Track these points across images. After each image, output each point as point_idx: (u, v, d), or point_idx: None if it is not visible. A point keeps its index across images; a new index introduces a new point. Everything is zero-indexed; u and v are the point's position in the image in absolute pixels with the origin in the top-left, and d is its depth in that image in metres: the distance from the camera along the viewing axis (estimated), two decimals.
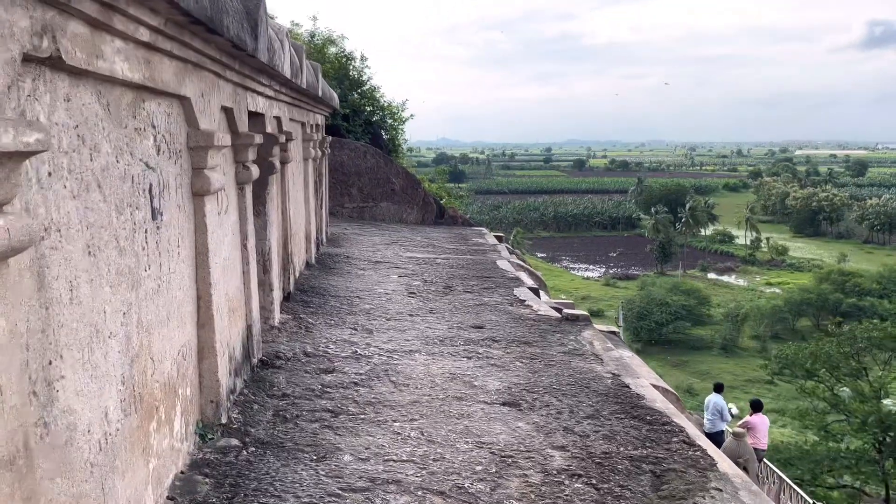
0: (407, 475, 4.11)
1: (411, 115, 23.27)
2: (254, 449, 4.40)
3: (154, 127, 3.62)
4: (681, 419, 5.00)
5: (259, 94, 6.23)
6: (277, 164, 7.25)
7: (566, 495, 3.93)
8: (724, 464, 4.28)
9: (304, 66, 7.64)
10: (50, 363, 2.47)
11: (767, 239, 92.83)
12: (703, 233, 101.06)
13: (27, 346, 2.30)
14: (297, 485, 3.95)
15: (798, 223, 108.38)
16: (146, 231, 3.46)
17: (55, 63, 2.49)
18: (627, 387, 5.70)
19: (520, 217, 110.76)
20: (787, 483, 15.38)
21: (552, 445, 4.59)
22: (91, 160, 2.85)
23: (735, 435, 12.41)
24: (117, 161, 3.12)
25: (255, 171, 5.77)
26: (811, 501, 15.04)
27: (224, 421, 4.64)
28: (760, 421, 13.72)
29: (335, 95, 12.47)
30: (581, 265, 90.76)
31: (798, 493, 15.16)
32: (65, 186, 2.61)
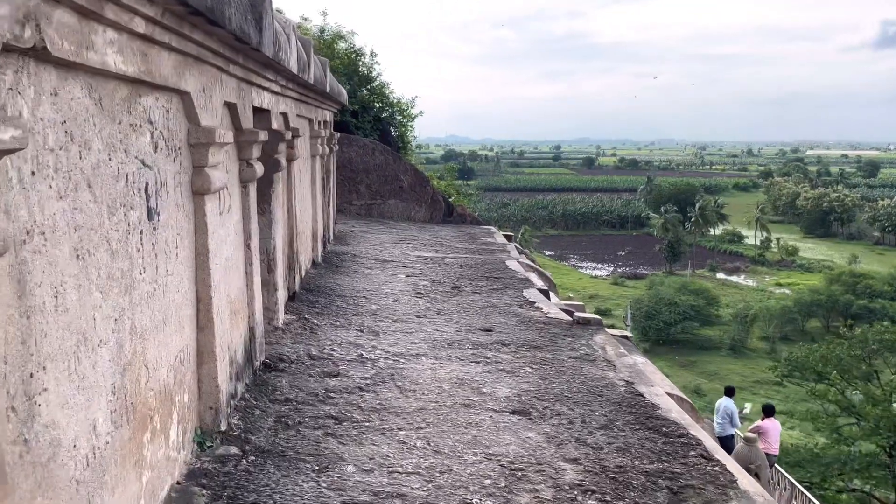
0: (412, 489, 3.93)
1: (420, 112, 23.08)
2: (254, 458, 4.24)
3: (151, 123, 3.45)
4: (698, 431, 4.81)
5: (265, 89, 6.06)
6: (283, 161, 7.09)
7: None
8: (745, 480, 4.09)
9: (311, 61, 7.47)
10: (31, 376, 2.30)
11: (777, 239, 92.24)
12: (712, 232, 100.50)
13: (5, 358, 2.14)
14: (298, 497, 3.79)
15: (809, 224, 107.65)
16: (141, 232, 3.30)
17: (40, 54, 2.33)
18: (642, 395, 5.51)
19: (528, 215, 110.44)
20: (799, 489, 15.15)
21: (564, 458, 4.41)
22: (80, 158, 2.68)
23: (747, 440, 12.21)
24: (110, 159, 2.95)
25: (259, 168, 5.60)
26: None
27: (223, 428, 4.48)
28: (772, 425, 13.51)
29: (344, 91, 12.30)
30: (589, 264, 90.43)
31: (810, 499, 14.92)
32: (50, 186, 2.44)
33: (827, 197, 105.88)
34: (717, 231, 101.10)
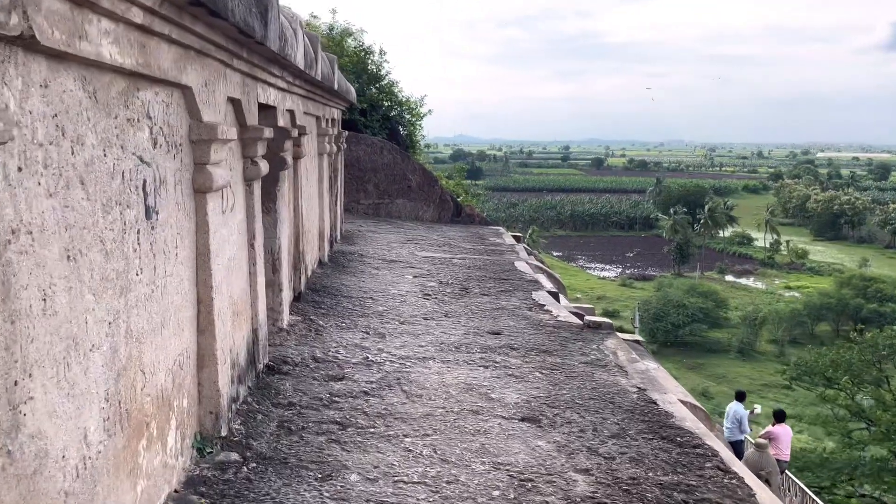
0: (418, 499, 3.79)
1: (429, 111, 22.93)
2: (255, 465, 4.11)
3: (150, 118, 3.32)
4: (713, 441, 4.66)
5: (271, 85, 5.93)
6: (290, 159, 6.96)
7: None
8: (764, 494, 3.93)
9: (319, 58, 7.34)
10: (16, 384, 2.17)
11: (787, 242, 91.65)
12: (721, 234, 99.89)
13: None
14: None
15: (819, 226, 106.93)
16: (139, 231, 3.17)
17: (28, 44, 2.20)
18: (655, 403, 5.35)
19: (536, 215, 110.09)
20: (810, 496, 14.94)
21: (575, 468, 4.26)
22: (72, 154, 2.55)
23: (758, 446, 12.04)
24: (105, 155, 2.82)
25: (264, 166, 5.48)
26: None
27: (224, 433, 4.35)
28: (783, 431, 13.33)
29: (352, 89, 12.17)
30: (597, 265, 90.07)
31: None
32: (39, 183, 2.31)
33: (837, 199, 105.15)
34: (727, 233, 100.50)
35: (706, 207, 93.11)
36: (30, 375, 2.26)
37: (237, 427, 4.53)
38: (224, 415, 4.36)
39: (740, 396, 13.90)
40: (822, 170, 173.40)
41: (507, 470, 4.19)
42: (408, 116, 22.58)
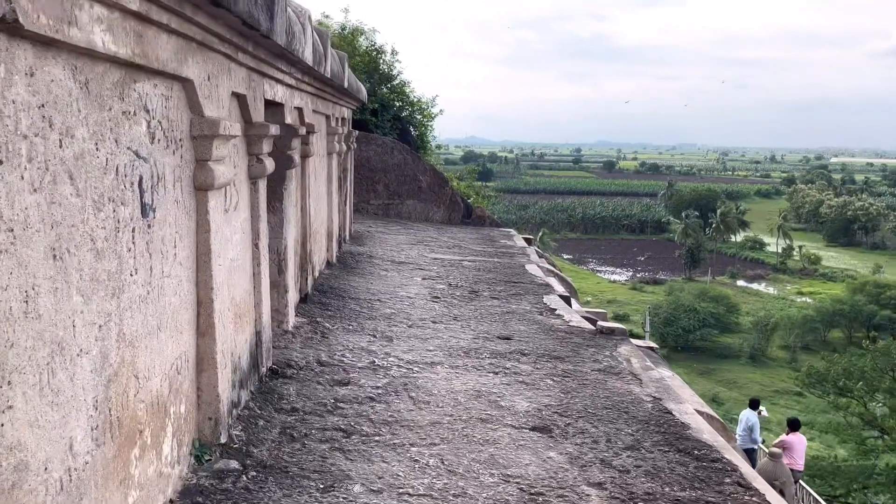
0: None
1: (440, 111, 22.78)
2: (254, 473, 3.95)
3: (147, 111, 3.17)
4: (732, 455, 4.47)
5: (278, 81, 5.79)
6: (297, 157, 6.82)
7: None
8: None
9: (328, 54, 7.19)
10: None
11: (800, 247, 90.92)
12: (733, 239, 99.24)
13: None
14: None
15: (832, 232, 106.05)
16: (133, 230, 3.02)
17: (12, 28, 2.05)
18: (670, 413, 5.17)
19: (547, 217, 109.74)
20: None
21: (588, 482, 4.08)
22: (61, 146, 2.40)
23: (771, 455, 11.80)
24: (97, 149, 2.67)
25: (269, 164, 5.33)
26: None
27: (223, 440, 4.19)
28: (798, 440, 13.08)
29: (363, 88, 12.03)
30: (608, 268, 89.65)
31: None
32: (22, 177, 2.16)
33: (851, 205, 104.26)
34: (739, 238, 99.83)
35: (718, 212, 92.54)
36: (9, 383, 2.11)
37: (237, 433, 4.38)
38: (224, 421, 4.21)
39: (754, 404, 13.67)
40: (835, 175, 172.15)
41: (517, 483, 4.02)
42: (419, 117, 22.44)
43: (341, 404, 5.07)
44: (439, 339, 6.91)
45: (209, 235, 3.97)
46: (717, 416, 5.78)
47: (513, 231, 17.39)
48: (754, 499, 3.92)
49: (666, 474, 4.22)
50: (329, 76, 7.33)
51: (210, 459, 4.00)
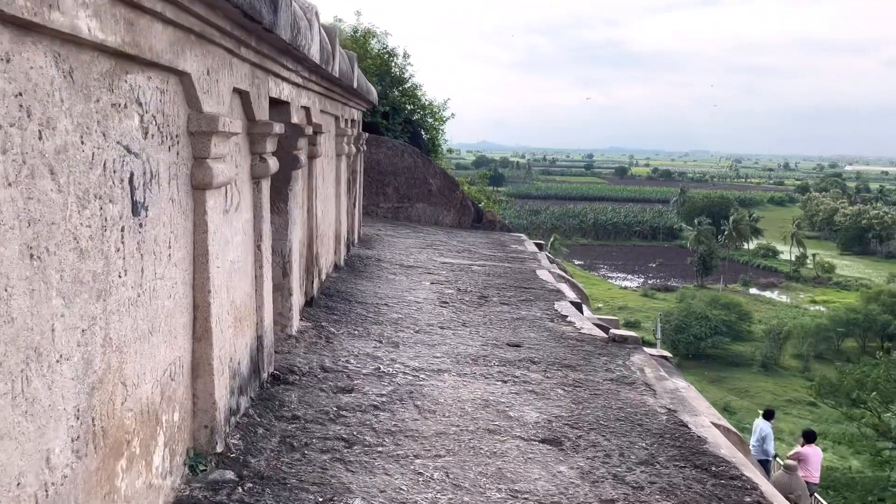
0: None
1: (452, 115, 22.65)
2: (251, 485, 3.78)
3: (140, 104, 3.02)
4: (752, 472, 4.26)
5: (284, 79, 5.64)
6: (303, 158, 6.67)
7: None
8: None
9: (336, 53, 7.04)
10: None
11: (814, 255, 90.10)
12: (746, 246, 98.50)
13: None
14: None
15: (846, 241, 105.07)
16: (122, 229, 2.86)
17: None
18: (686, 426, 4.96)
19: (558, 223, 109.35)
20: None
21: (600, 499, 3.88)
22: (40, 139, 2.25)
23: (787, 468, 11.54)
24: (82, 142, 2.51)
25: (273, 164, 5.17)
26: None
27: (220, 449, 4.03)
28: (813, 452, 12.81)
29: (373, 90, 11.88)
30: (619, 274, 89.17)
31: None
32: None
33: (866, 214, 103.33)
34: (751, 245, 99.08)
35: (731, 219, 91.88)
36: None
37: (235, 442, 4.21)
38: (220, 429, 4.04)
39: (768, 415, 13.41)
40: (850, 183, 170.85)
41: (526, 499, 3.83)
42: (430, 120, 22.30)
43: (344, 412, 4.90)
44: (447, 346, 6.73)
45: (207, 236, 3.81)
46: (735, 430, 5.57)
47: (524, 236, 17.19)
48: None
49: (682, 492, 4.02)
50: (337, 75, 7.18)
51: (205, 469, 3.84)
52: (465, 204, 17.99)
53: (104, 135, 2.69)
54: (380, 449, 4.37)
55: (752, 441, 13.01)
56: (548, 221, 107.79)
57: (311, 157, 7.51)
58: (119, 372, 2.86)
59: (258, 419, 4.62)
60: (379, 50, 20.91)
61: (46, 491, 2.32)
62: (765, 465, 12.59)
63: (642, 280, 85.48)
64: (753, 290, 79.74)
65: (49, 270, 2.31)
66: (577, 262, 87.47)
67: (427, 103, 22.03)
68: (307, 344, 6.34)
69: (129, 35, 2.73)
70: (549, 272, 11.41)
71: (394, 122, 19.72)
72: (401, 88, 20.93)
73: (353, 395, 5.25)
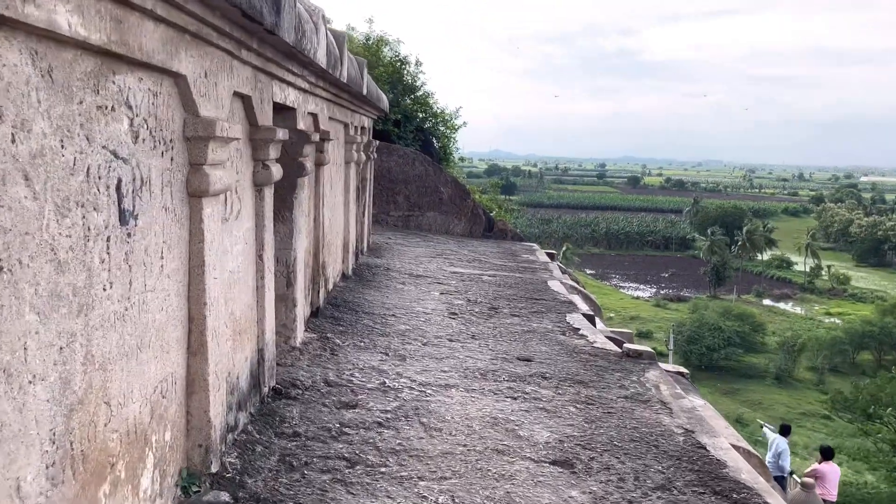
0: None
1: (464, 123, 22.49)
2: None
3: (130, 107, 2.85)
4: (775, 499, 4.03)
5: (289, 84, 5.48)
6: (310, 165, 6.50)
7: None
8: None
9: (345, 58, 6.88)
10: None
11: (828, 267, 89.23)
12: (759, 257, 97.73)
13: None
14: None
15: (861, 252, 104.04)
16: (108, 239, 2.69)
17: None
18: (704, 448, 4.74)
19: (570, 232, 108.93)
20: None
21: None
22: (13, 141, 2.08)
23: (804, 486, 11.24)
24: (62, 146, 2.35)
25: (277, 171, 5.00)
26: None
27: (215, 469, 3.84)
28: (831, 470, 12.49)
29: (384, 97, 11.73)
30: (631, 284, 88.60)
31: None
32: None
33: (882, 225, 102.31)
34: (765, 256, 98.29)
35: (744, 229, 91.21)
36: None
37: (232, 461, 4.03)
38: (216, 448, 3.86)
39: (784, 431, 13.10)
40: (865, 194, 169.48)
41: None
42: (442, 128, 22.16)
43: (347, 429, 4.71)
44: (455, 359, 6.53)
45: (203, 245, 3.63)
46: (755, 453, 5.34)
47: (535, 245, 16.98)
48: None
49: None
50: (345, 81, 7.02)
51: (199, 491, 3.65)
52: (476, 213, 17.81)
53: (88, 139, 2.52)
54: (383, 469, 4.17)
55: (769, 457, 12.71)
56: (559, 230, 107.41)
57: (319, 164, 7.35)
58: (102, 391, 2.69)
59: (257, 436, 4.44)
60: (391, 58, 20.81)
61: None
62: (780, 481, 12.29)
63: (654, 290, 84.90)
64: (767, 302, 79.00)
65: (21, 284, 2.14)
66: (588, 272, 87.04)
67: (439, 111, 21.91)
68: (311, 356, 6.16)
69: (116, 33, 2.57)
70: (561, 283, 11.20)
71: (405, 129, 19.58)
72: (413, 96, 20.81)
73: (356, 410, 5.06)
